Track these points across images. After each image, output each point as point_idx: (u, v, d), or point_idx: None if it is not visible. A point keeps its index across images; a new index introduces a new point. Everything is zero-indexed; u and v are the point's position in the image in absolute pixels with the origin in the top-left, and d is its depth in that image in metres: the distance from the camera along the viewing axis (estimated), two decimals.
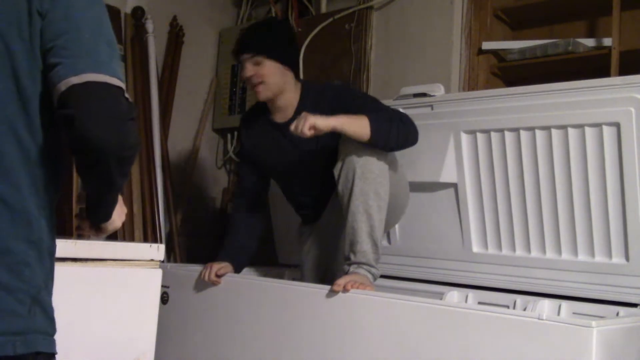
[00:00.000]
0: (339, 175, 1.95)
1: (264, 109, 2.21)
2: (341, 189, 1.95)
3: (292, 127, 1.87)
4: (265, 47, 2.06)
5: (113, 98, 1.00)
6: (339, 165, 1.96)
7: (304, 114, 1.87)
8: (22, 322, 0.98)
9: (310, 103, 2.11)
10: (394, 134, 1.91)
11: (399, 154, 2.11)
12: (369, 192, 1.90)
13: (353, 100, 2.07)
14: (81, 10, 1.02)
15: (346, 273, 1.90)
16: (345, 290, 1.76)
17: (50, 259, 1.06)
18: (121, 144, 1.00)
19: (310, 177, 2.18)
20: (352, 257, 1.92)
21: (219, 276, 2.07)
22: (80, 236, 1.42)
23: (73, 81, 0.97)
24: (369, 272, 1.89)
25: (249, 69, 2.07)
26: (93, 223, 1.22)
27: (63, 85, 0.97)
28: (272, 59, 2.06)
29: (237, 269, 2.17)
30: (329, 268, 2.24)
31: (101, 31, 1.03)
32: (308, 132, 1.83)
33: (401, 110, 2.25)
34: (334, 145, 2.01)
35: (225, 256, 2.16)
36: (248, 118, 2.31)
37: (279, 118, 2.17)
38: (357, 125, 1.86)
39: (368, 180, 1.90)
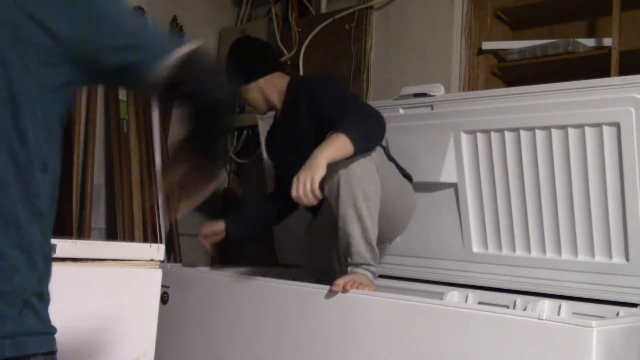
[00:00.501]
0: (325, 182, 1.95)
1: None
2: (328, 194, 1.95)
3: (296, 198, 1.81)
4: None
5: (204, 59, 1.10)
6: None
7: (294, 185, 1.81)
8: (12, 325, 0.97)
9: (292, 98, 2.20)
10: (372, 136, 1.93)
11: (398, 155, 2.11)
12: (356, 194, 1.90)
13: (324, 101, 2.08)
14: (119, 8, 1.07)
15: (345, 274, 1.90)
16: (344, 290, 1.76)
17: (45, 262, 1.05)
18: (228, 91, 1.16)
19: None
20: (348, 260, 1.92)
21: (206, 237, 2.20)
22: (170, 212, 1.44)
23: (171, 63, 1.04)
24: (368, 270, 1.90)
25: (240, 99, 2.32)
26: (212, 170, 1.22)
27: (164, 70, 1.04)
28: (243, 85, 2.23)
29: (231, 232, 2.26)
30: (327, 266, 2.24)
31: (142, 21, 1.09)
32: (315, 197, 1.80)
33: (401, 110, 2.26)
34: (323, 126, 2.05)
35: (226, 220, 2.27)
36: (269, 130, 2.44)
37: (277, 115, 2.30)
38: (341, 150, 1.86)
39: (353, 183, 1.90)
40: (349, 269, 1.90)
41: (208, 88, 1.11)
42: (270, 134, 2.38)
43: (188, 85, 1.08)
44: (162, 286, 2.18)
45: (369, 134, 1.92)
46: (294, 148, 2.18)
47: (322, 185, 1.95)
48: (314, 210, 2.32)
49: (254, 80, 2.22)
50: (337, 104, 2.03)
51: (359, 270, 1.89)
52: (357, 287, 1.77)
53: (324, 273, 2.24)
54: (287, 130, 2.21)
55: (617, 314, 1.81)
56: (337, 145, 1.85)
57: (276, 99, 2.23)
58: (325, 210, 2.21)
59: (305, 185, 1.78)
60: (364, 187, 1.91)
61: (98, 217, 2.84)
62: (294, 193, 1.80)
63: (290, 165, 2.20)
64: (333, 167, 1.90)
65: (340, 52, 2.98)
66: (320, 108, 2.06)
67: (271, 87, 2.23)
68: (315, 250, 2.30)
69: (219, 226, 2.20)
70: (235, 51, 2.30)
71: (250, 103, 2.29)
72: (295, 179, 1.81)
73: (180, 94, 1.10)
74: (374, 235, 1.93)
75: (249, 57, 2.27)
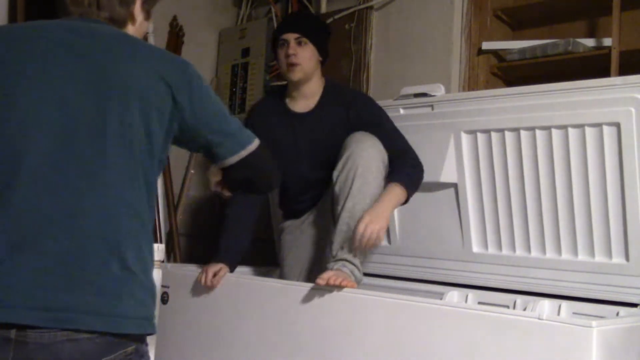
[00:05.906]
0: (340, 173, 1.99)
1: (280, 97, 2.28)
2: (339, 187, 1.97)
3: (359, 241, 1.88)
4: (312, 31, 2.20)
5: (262, 160, 1.46)
6: (340, 164, 2.00)
7: (362, 225, 1.87)
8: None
9: (331, 100, 2.20)
10: (416, 189, 2.05)
11: None
12: (367, 192, 1.93)
13: (370, 116, 2.14)
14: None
15: (331, 270, 1.89)
16: (327, 284, 1.75)
17: None
18: (274, 183, 1.58)
19: (317, 167, 2.20)
20: (339, 254, 1.93)
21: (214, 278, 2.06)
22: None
23: (243, 155, 1.41)
24: (353, 274, 1.91)
25: (293, 48, 2.16)
26: None
27: (235, 158, 1.41)
28: (314, 44, 2.18)
29: (233, 269, 2.17)
30: (315, 269, 2.22)
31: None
32: (375, 246, 1.91)
33: (401, 110, 2.27)
34: (344, 137, 2.08)
35: (222, 258, 2.13)
36: (262, 106, 2.36)
37: (300, 107, 2.23)
38: (400, 202, 1.99)
39: (367, 180, 1.93)
40: (338, 264, 1.90)
41: (260, 177, 1.50)
42: (276, 120, 2.26)
43: (247, 172, 1.45)
44: (162, 286, 2.20)
45: (416, 186, 2.05)
46: (313, 145, 2.19)
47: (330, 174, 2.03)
48: (297, 213, 2.31)
49: (321, 54, 2.22)
50: (396, 138, 2.11)
51: (345, 269, 1.89)
52: (340, 283, 1.75)
53: (310, 274, 2.22)
54: (311, 127, 2.19)
55: (617, 314, 1.81)
56: (399, 199, 1.98)
57: (313, 88, 2.21)
58: (320, 211, 2.21)
59: (372, 235, 1.86)
60: (374, 189, 1.95)
61: None
62: (360, 231, 1.86)
63: (293, 160, 2.20)
64: (353, 159, 1.97)
65: (340, 52, 2.98)
66: (372, 131, 2.07)
67: (317, 74, 2.22)
68: (303, 252, 2.29)
69: (218, 267, 2.08)
70: (322, 21, 2.42)
71: (301, 64, 2.16)
72: (365, 223, 1.86)
73: (238, 177, 1.47)
74: None
75: (329, 38, 2.30)
